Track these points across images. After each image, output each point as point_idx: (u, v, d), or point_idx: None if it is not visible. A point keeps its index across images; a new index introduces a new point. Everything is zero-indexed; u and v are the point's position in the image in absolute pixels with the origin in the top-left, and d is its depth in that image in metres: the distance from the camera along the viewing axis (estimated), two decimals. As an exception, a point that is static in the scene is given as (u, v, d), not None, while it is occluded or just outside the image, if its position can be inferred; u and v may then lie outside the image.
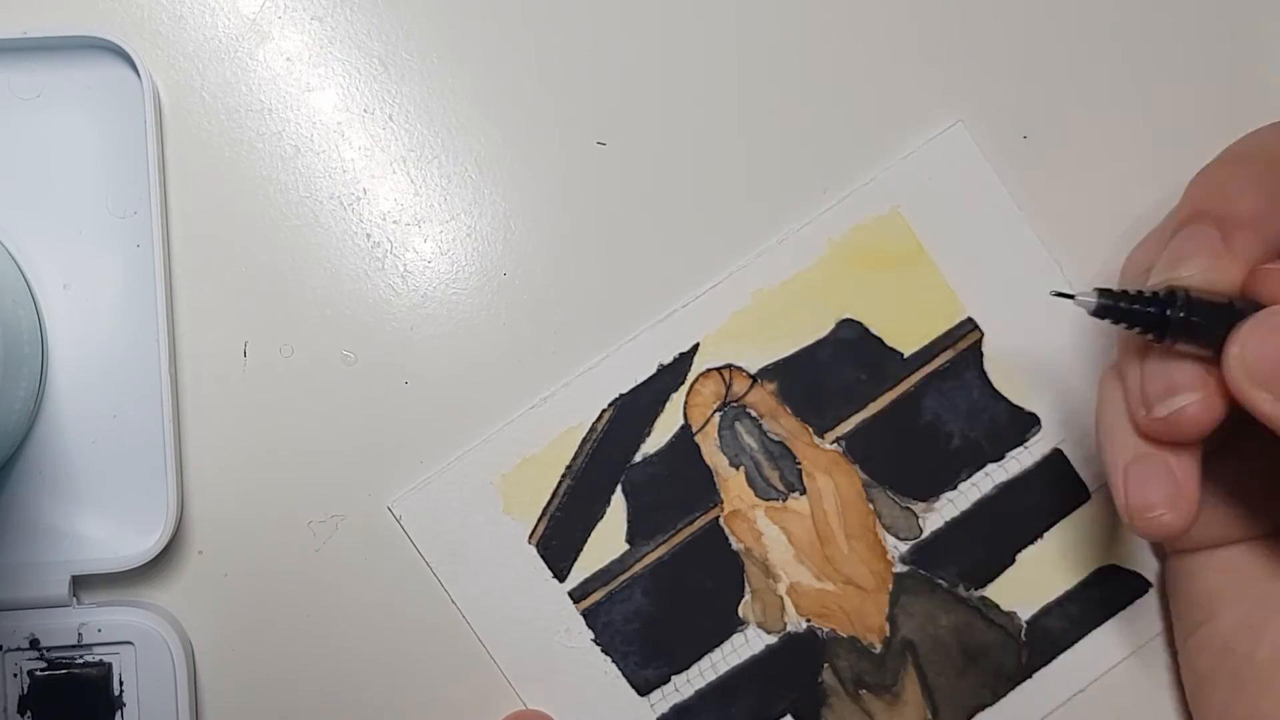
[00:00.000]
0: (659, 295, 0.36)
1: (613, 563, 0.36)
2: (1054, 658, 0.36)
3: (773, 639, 0.36)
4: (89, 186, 0.35)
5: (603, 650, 0.36)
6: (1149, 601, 0.36)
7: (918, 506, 0.36)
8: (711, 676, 0.36)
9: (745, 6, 0.37)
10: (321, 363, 0.36)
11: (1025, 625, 0.36)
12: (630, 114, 0.36)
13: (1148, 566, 0.36)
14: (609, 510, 0.36)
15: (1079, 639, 0.36)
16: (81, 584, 0.35)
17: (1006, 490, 0.36)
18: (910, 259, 0.37)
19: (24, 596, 0.34)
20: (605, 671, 0.36)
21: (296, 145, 0.36)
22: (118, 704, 0.34)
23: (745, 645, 0.36)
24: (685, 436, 0.36)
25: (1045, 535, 0.36)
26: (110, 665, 0.34)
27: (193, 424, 0.35)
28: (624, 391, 0.36)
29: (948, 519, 0.36)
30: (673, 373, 0.36)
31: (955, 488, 0.36)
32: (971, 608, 0.36)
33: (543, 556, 0.36)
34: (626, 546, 0.36)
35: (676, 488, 0.36)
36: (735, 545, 0.36)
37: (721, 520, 0.36)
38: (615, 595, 0.36)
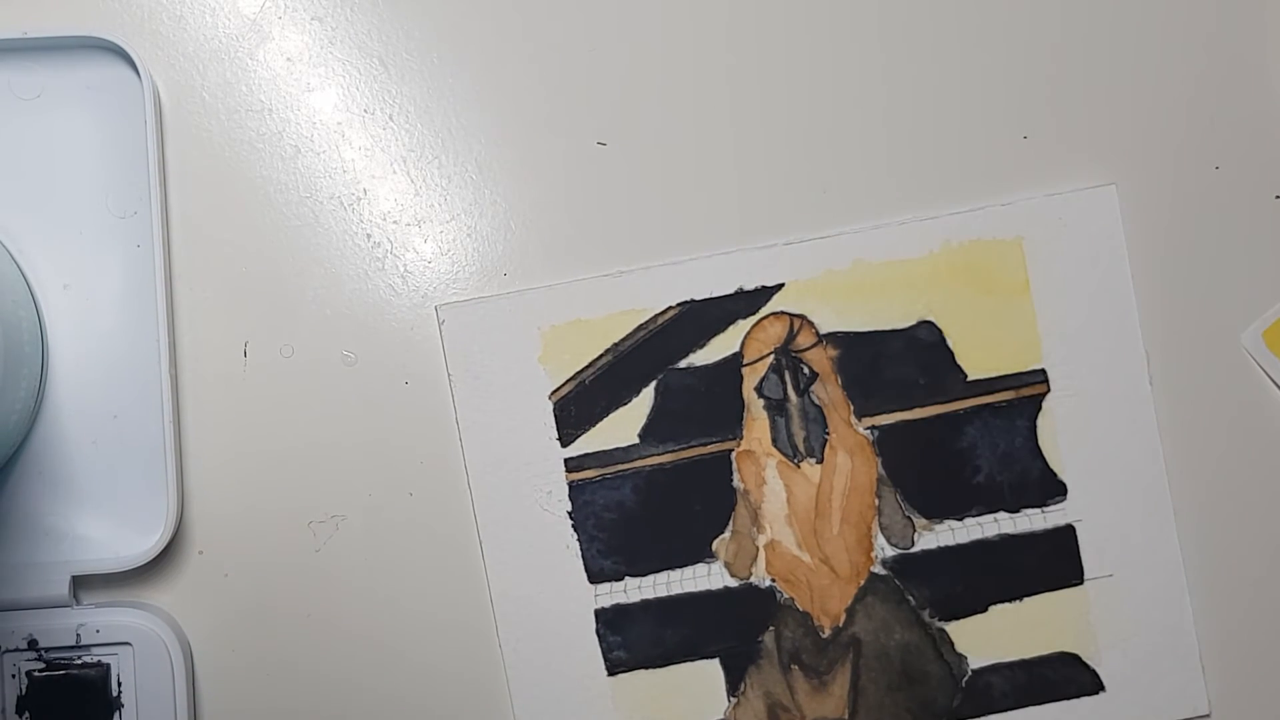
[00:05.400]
0: (763, 226, 0.36)
1: (617, 450, 0.36)
2: (984, 715, 0.36)
3: (734, 583, 0.36)
4: (89, 187, 0.35)
5: (574, 526, 0.36)
6: (1095, 705, 0.36)
7: (919, 520, 0.36)
8: (663, 592, 0.36)
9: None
10: (321, 363, 0.36)
11: (970, 673, 0.36)
12: (630, 114, 0.36)
13: (1108, 671, 0.36)
14: (635, 400, 0.36)
15: (1014, 708, 0.36)
16: (81, 584, 0.35)
17: (1008, 542, 0.36)
18: (1013, 291, 0.36)
19: (24, 597, 0.34)
20: (568, 546, 0.36)
21: (296, 145, 0.36)
22: (116, 705, 0.34)
23: (706, 578, 0.36)
24: (734, 364, 0.36)
25: (1025, 599, 0.36)
26: (108, 666, 0.34)
27: (193, 424, 0.35)
28: (696, 298, 0.36)
29: (942, 544, 0.36)
30: (749, 300, 0.36)
31: (961, 519, 0.36)
32: (928, 634, 0.36)
33: (556, 415, 0.36)
34: (636, 440, 0.36)
35: (706, 406, 0.36)
36: (736, 483, 0.36)
37: (733, 454, 0.36)
38: (607, 480, 0.36)
